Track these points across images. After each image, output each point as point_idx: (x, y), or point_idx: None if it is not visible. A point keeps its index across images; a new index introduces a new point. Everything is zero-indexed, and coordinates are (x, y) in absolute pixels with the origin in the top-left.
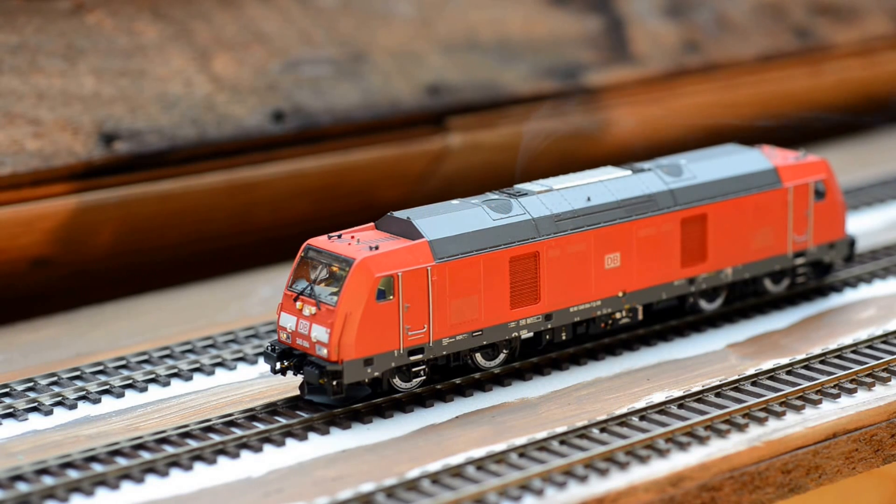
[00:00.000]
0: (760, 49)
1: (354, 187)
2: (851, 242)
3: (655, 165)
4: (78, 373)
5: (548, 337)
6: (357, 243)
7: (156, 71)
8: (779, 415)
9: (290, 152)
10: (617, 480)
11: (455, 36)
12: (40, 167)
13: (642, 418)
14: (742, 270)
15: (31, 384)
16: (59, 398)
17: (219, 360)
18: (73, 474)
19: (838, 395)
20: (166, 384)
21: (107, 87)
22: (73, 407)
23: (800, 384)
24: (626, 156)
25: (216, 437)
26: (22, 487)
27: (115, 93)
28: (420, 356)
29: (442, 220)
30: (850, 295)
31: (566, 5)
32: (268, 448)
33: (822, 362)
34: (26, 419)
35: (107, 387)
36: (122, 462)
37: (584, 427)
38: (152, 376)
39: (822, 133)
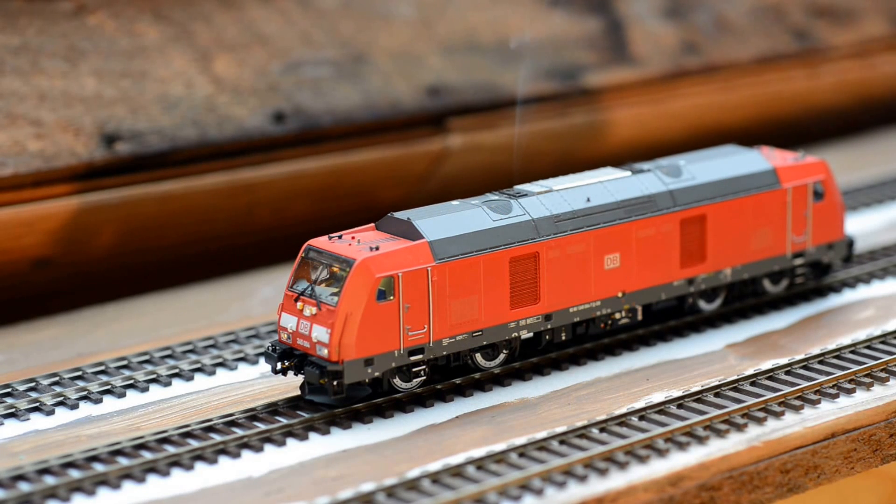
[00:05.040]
0: (759, 50)
1: (355, 188)
2: (850, 243)
3: (655, 166)
4: (79, 373)
5: (547, 337)
6: (357, 244)
7: (157, 72)
8: (778, 415)
9: (291, 153)
10: (616, 480)
11: (455, 37)
12: (42, 168)
13: (642, 418)
14: (741, 271)
15: (32, 384)
16: (61, 398)
17: (220, 360)
18: (74, 474)
19: (837, 396)
20: (167, 384)
21: (108, 89)
22: (74, 407)
23: (798, 384)
24: (625, 157)
25: (217, 437)
26: (24, 487)
27: (116, 94)
28: (420, 356)
29: (442, 221)
30: (848, 295)
31: (566, 7)
32: (269, 448)
33: (820, 362)
34: (28, 419)
35: (108, 387)
36: (123, 462)
37: (584, 427)
38: (153, 376)
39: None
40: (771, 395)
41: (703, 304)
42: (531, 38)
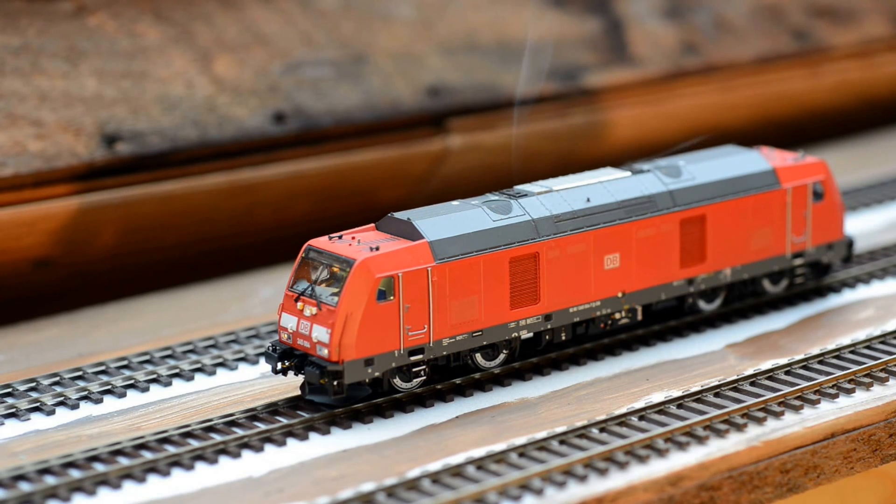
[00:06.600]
0: (759, 51)
1: (355, 188)
2: (850, 243)
3: (654, 166)
4: (80, 373)
5: (547, 337)
6: (358, 244)
7: (157, 72)
8: (777, 415)
9: (291, 153)
10: (616, 480)
11: (455, 38)
12: (42, 168)
13: (641, 418)
14: (741, 271)
15: (33, 384)
16: (62, 398)
17: (220, 360)
18: (75, 474)
19: (836, 396)
20: (168, 384)
21: (109, 89)
22: (75, 407)
23: (798, 384)
24: (625, 157)
25: (217, 437)
26: (24, 487)
27: (116, 94)
28: (420, 356)
29: (442, 221)
30: (848, 296)
31: (566, 7)
32: (269, 448)
33: (820, 363)
34: (29, 419)
35: (109, 387)
36: (123, 462)
37: (584, 427)
38: (154, 376)
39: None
40: (771, 395)
41: (702, 305)
42: (532, 38)
